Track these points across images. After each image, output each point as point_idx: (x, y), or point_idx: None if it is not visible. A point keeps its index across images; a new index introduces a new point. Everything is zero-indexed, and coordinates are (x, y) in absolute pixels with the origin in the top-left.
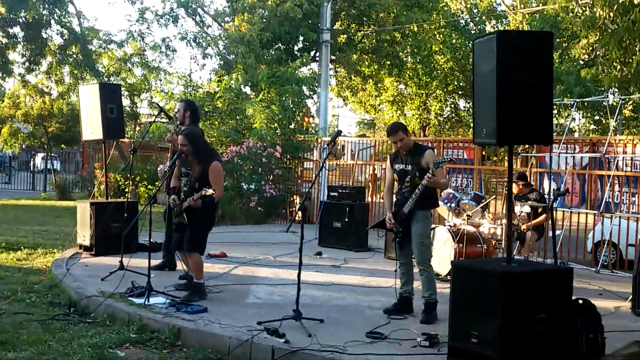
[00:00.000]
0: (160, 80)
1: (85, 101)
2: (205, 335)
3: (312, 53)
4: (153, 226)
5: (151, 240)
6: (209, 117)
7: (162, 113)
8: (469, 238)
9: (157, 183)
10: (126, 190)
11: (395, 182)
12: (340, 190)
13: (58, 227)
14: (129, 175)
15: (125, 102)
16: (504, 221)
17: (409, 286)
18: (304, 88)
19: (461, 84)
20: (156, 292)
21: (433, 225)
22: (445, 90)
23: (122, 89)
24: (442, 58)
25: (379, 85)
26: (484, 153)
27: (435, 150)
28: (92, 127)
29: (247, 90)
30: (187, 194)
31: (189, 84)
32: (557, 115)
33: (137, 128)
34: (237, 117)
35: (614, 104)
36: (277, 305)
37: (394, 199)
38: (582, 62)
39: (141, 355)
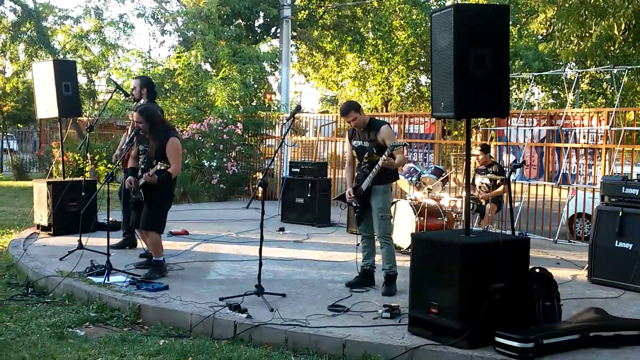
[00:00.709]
0: (119, 57)
1: (39, 79)
2: (166, 312)
3: (273, 29)
4: (112, 205)
5: (110, 219)
6: (169, 94)
7: (119, 90)
8: (429, 211)
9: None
10: (85, 169)
11: (355, 158)
12: (302, 166)
13: (15, 207)
14: (86, 154)
15: (82, 79)
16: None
17: (370, 259)
18: (265, 65)
19: (422, 60)
20: (116, 271)
21: (394, 199)
22: (406, 66)
23: (79, 66)
24: (403, 34)
25: (341, 62)
26: (445, 128)
27: (396, 125)
28: (47, 106)
29: (208, 67)
30: (144, 171)
31: (147, 61)
32: (516, 90)
33: (96, 106)
34: (198, 95)
35: (572, 78)
36: (239, 282)
37: (355, 174)
38: (540, 37)
39: (101, 333)
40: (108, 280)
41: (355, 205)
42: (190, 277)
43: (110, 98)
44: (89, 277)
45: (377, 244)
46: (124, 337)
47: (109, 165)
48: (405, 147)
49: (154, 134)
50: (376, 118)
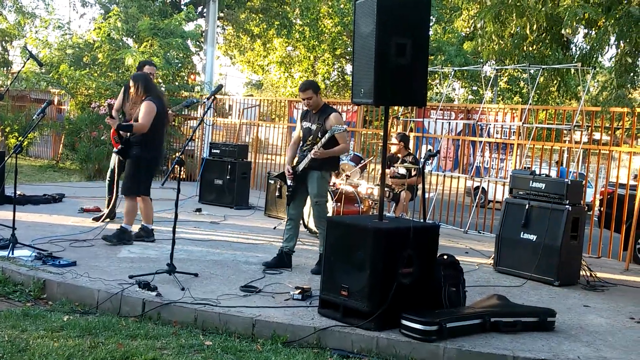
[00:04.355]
0: (35, 26)
1: None
2: (72, 288)
3: (200, 8)
4: (22, 179)
5: (18, 192)
6: (88, 67)
7: (33, 59)
8: (346, 197)
9: (30, 135)
10: None
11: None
12: (222, 148)
13: None
14: None
15: None
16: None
17: (291, 242)
18: (190, 44)
19: (349, 49)
20: (22, 245)
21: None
22: (333, 54)
23: None
24: (331, 22)
25: (268, 46)
26: (367, 118)
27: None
28: None
29: (130, 42)
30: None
31: (66, 31)
32: (438, 84)
33: (10, 76)
34: (119, 70)
35: (490, 75)
36: (151, 260)
37: (296, 155)
38: (464, 35)
39: (2, 307)
40: (12, 254)
41: (289, 184)
42: (101, 254)
43: (22, 68)
44: None
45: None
46: (26, 312)
47: (20, 139)
48: (347, 133)
49: (137, 100)
50: (329, 105)
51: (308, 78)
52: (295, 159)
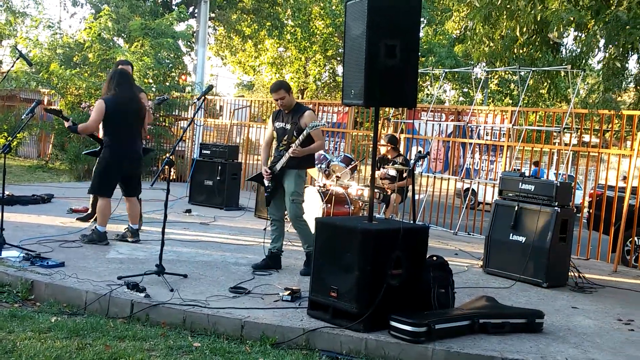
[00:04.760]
0: (26, 26)
1: None
2: (60, 289)
3: (191, 9)
4: (10, 179)
5: (6, 193)
6: (79, 67)
7: (22, 59)
8: (337, 199)
9: (19, 135)
10: None
11: (274, 140)
12: (213, 148)
13: None
14: None
15: None
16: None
17: (277, 243)
18: (181, 44)
19: (340, 50)
20: (10, 246)
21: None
22: (324, 55)
23: None
24: (323, 23)
25: (259, 47)
26: (358, 120)
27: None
28: None
29: (121, 42)
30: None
31: (57, 31)
32: (429, 86)
33: None
34: (109, 70)
35: (481, 77)
36: (140, 261)
37: (272, 156)
38: (454, 37)
39: None
40: (0, 254)
41: (267, 184)
42: (89, 255)
43: (12, 67)
44: None
45: (286, 228)
46: (14, 313)
47: (9, 138)
48: (322, 130)
49: None
50: (302, 103)
51: (299, 79)
52: (271, 159)
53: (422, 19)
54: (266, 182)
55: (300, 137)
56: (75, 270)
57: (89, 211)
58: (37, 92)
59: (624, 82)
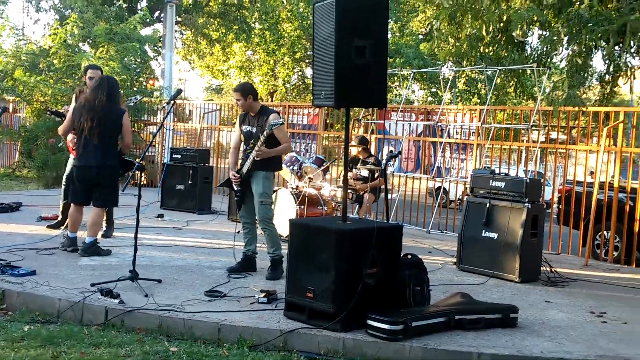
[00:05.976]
0: None
1: None
2: (32, 297)
3: (157, 13)
4: None
5: None
6: (44, 74)
7: None
8: (310, 200)
9: None
10: None
11: (242, 143)
12: (183, 153)
13: None
14: None
15: None
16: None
17: (251, 246)
18: (148, 49)
19: (308, 52)
20: None
21: (276, 188)
22: (292, 58)
23: None
24: (290, 26)
25: (227, 51)
26: (327, 121)
27: (281, 114)
28: None
29: (86, 48)
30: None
31: (21, 38)
32: (397, 86)
33: None
34: (75, 77)
35: (448, 77)
36: (113, 267)
37: (240, 160)
38: (421, 36)
39: None
40: None
41: (236, 189)
42: (61, 262)
43: None
44: None
45: (259, 231)
46: None
47: None
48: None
49: None
50: (267, 107)
51: (268, 82)
52: (239, 162)
53: (389, 20)
54: (235, 187)
55: (262, 137)
56: (47, 278)
57: (59, 218)
58: (2, 100)
59: (588, 79)
